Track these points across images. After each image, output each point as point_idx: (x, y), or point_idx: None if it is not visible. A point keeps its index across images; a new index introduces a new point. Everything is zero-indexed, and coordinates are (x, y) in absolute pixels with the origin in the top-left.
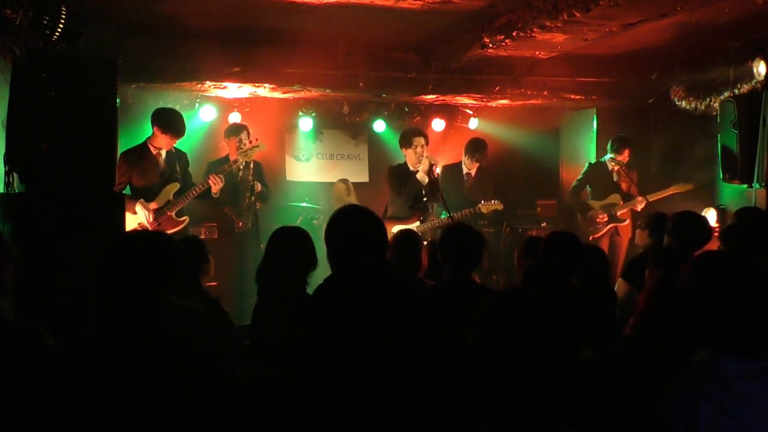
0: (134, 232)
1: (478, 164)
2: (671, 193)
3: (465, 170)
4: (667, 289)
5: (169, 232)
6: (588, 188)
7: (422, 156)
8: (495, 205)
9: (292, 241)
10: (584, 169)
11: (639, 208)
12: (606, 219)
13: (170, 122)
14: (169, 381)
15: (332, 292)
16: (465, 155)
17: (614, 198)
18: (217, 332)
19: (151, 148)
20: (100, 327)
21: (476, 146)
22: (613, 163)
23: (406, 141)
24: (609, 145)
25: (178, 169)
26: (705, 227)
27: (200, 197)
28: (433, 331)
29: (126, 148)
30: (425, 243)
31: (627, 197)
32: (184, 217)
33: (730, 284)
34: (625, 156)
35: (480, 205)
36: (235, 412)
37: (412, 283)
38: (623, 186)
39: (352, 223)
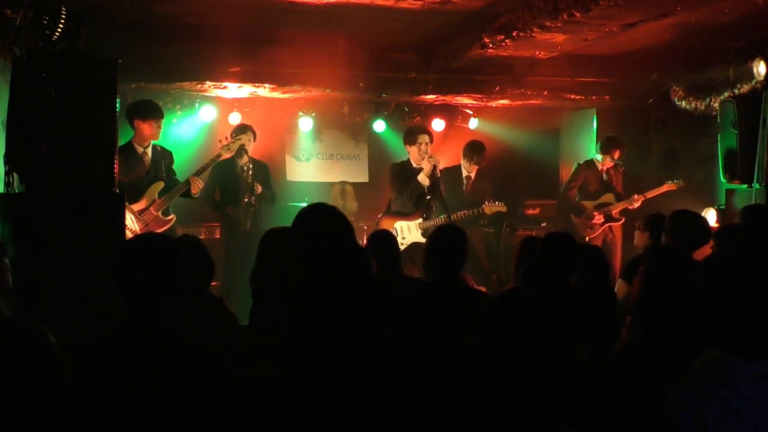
0: (138, 235)
1: (477, 167)
2: (665, 190)
3: (465, 173)
4: (665, 289)
5: (157, 231)
6: (576, 189)
7: (426, 154)
8: (498, 206)
9: (283, 241)
10: (574, 170)
11: (635, 205)
12: (602, 219)
13: (147, 108)
14: (170, 381)
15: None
16: (464, 158)
17: (607, 197)
18: (221, 332)
19: (137, 147)
20: (103, 327)
21: (474, 149)
22: (601, 163)
23: (410, 138)
24: (598, 145)
25: (162, 167)
26: (704, 227)
27: (182, 196)
28: (421, 331)
29: None
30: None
31: (619, 196)
32: (171, 216)
33: (750, 286)
34: (615, 156)
35: (484, 205)
36: (235, 412)
37: (395, 279)
38: (614, 185)
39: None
